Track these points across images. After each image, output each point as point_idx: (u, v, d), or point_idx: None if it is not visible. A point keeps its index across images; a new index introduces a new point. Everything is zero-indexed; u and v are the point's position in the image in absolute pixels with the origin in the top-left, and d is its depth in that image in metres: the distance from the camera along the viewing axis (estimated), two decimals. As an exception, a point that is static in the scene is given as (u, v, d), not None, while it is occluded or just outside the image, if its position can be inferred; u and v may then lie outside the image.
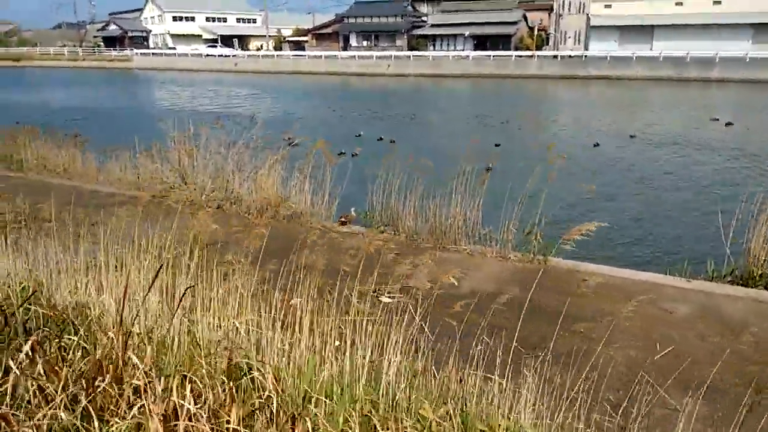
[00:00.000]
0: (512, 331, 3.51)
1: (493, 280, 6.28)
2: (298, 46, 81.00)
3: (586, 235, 5.25)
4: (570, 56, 56.01)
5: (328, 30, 77.63)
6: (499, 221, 7.15)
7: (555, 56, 56.93)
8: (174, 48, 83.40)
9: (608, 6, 60.81)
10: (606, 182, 14.54)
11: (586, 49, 60.50)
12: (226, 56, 74.73)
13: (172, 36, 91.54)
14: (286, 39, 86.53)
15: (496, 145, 19.31)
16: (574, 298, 5.60)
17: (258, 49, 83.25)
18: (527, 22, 67.01)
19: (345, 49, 73.54)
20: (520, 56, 57.60)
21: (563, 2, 76.66)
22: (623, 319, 5.06)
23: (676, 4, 56.90)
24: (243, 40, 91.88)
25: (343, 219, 7.76)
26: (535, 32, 60.75)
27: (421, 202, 7.47)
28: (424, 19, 73.40)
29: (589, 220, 5.71)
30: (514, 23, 65.30)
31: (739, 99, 38.43)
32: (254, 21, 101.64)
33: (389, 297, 6.05)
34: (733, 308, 5.58)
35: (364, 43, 73.74)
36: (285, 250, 6.05)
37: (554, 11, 73.88)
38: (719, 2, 54.75)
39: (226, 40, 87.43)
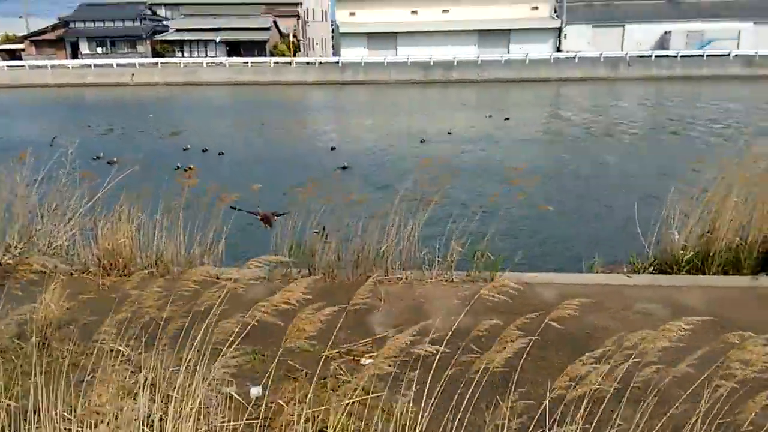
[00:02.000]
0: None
1: (453, 309, 5.28)
2: (13, 55, 68.38)
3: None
4: (322, 63, 57.24)
5: (51, 36, 67.00)
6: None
7: (312, 62, 57.63)
8: None
9: (353, 14, 63.73)
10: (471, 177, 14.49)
11: (336, 54, 62.61)
12: None
13: None
14: (-6, 47, 72.39)
15: (332, 149, 18.97)
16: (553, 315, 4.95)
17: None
18: (279, 29, 66.83)
19: (74, 57, 64.33)
20: (278, 62, 57.03)
21: (308, 10, 78.52)
22: (618, 331, 4.61)
23: (412, 12, 62.23)
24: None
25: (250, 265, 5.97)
26: (290, 39, 60.79)
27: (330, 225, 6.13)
28: (166, 23, 68.07)
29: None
30: (267, 29, 64.49)
31: (485, 96, 43.31)
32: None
33: (369, 358, 4.72)
34: (694, 300, 5.49)
35: (99, 50, 65.44)
36: (178, 317, 4.34)
37: (300, 18, 75.21)
38: (447, 11, 61.41)
39: None
